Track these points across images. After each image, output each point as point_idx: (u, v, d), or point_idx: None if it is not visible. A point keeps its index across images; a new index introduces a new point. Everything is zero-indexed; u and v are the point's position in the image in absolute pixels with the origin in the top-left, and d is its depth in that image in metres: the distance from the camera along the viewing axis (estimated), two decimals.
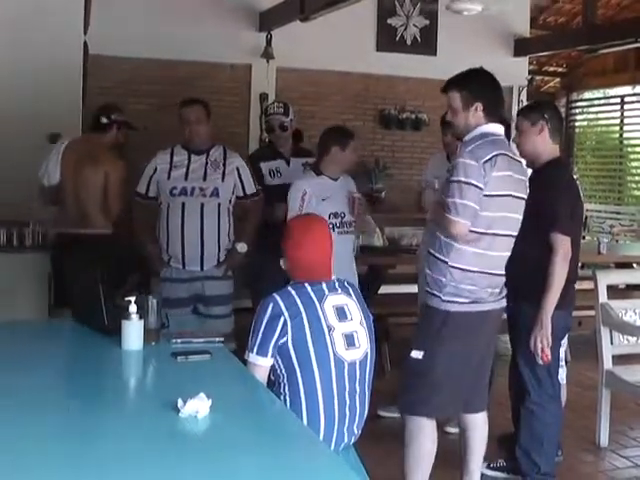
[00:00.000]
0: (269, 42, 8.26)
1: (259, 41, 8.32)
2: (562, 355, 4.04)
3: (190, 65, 8.17)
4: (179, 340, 3.12)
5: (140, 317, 3.01)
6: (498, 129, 3.43)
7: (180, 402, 2.31)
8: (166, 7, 7.91)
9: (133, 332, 2.99)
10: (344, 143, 4.62)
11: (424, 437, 3.46)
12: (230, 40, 8.23)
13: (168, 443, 2.18)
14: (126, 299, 3.01)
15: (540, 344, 3.67)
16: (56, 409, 2.44)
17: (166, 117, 7.93)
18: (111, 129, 5.04)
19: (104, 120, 5.04)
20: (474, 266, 3.32)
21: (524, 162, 3.68)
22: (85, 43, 6.23)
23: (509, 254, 3.45)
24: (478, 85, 3.44)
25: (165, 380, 2.83)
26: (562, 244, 3.65)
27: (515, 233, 3.44)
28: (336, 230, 4.47)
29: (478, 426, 3.66)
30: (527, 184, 3.49)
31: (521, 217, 3.45)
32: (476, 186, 3.23)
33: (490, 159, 3.26)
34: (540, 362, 3.72)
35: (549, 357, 3.70)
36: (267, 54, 8.29)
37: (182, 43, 7.84)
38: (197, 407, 2.29)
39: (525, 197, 3.45)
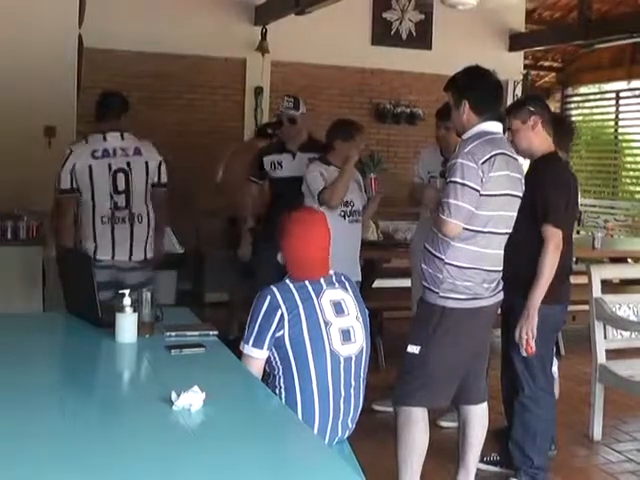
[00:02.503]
0: (264, 36, 8.25)
1: (254, 35, 8.30)
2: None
3: (185, 59, 8.15)
4: (173, 333, 3.12)
5: (134, 310, 3.00)
6: (496, 127, 3.41)
7: (174, 395, 2.31)
8: (161, 0, 7.89)
9: (127, 325, 2.98)
10: (346, 136, 4.75)
11: (415, 428, 3.46)
12: (225, 34, 8.22)
13: (161, 436, 2.18)
14: (120, 292, 3.01)
15: (525, 336, 3.68)
16: (49, 401, 2.44)
17: (159, 111, 7.97)
18: (271, 139, 5.95)
19: (269, 131, 6.11)
20: (470, 263, 3.32)
21: (520, 158, 3.68)
22: (80, 36, 6.22)
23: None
24: (464, 82, 3.44)
25: (159, 373, 2.83)
26: (553, 236, 3.66)
27: (510, 231, 3.44)
28: (347, 218, 4.72)
29: (478, 417, 3.67)
30: (523, 182, 3.49)
31: (516, 215, 3.45)
32: (472, 187, 3.23)
33: (488, 159, 3.25)
34: (524, 354, 3.73)
35: (533, 349, 3.70)
36: (262, 48, 8.28)
37: (177, 36, 7.83)
38: (191, 400, 2.29)
39: (521, 195, 3.45)
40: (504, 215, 3.39)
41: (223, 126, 8.36)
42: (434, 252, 3.37)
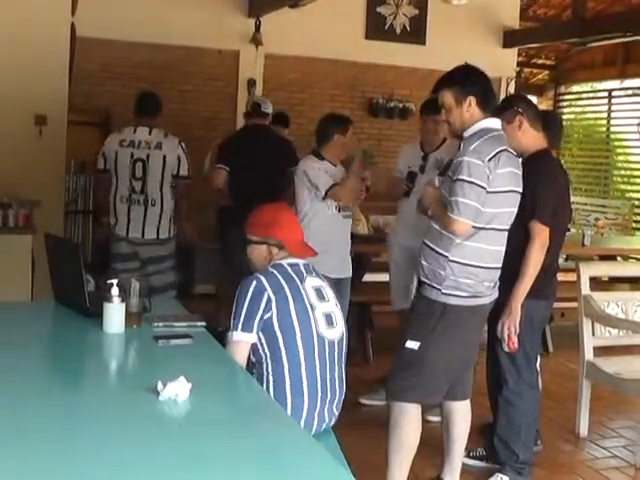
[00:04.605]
0: (258, 28, 8.24)
1: (248, 27, 8.29)
2: None
3: (177, 49, 8.13)
4: (161, 324, 3.11)
5: (122, 300, 3.00)
6: (497, 124, 3.39)
7: (160, 385, 2.30)
8: None
9: (115, 315, 2.97)
10: (344, 129, 4.75)
11: (408, 424, 3.47)
12: (219, 25, 8.20)
13: (147, 426, 2.18)
14: (108, 282, 3.00)
15: (507, 331, 3.69)
16: (37, 391, 2.43)
17: None
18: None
19: None
20: (473, 260, 3.31)
21: None
22: (73, 25, 6.19)
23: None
24: (468, 79, 3.40)
25: (146, 363, 2.83)
26: (540, 234, 3.66)
27: (509, 227, 3.44)
28: (341, 212, 4.73)
29: (460, 415, 3.68)
30: (521, 178, 3.48)
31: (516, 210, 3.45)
32: (479, 185, 3.22)
33: (494, 156, 3.24)
34: (506, 349, 3.74)
35: (516, 345, 3.71)
36: (256, 40, 8.26)
37: (170, 27, 7.81)
38: (177, 390, 2.29)
39: (520, 191, 3.45)
40: (507, 211, 3.38)
41: (216, 118, 8.35)
42: (436, 249, 3.35)
